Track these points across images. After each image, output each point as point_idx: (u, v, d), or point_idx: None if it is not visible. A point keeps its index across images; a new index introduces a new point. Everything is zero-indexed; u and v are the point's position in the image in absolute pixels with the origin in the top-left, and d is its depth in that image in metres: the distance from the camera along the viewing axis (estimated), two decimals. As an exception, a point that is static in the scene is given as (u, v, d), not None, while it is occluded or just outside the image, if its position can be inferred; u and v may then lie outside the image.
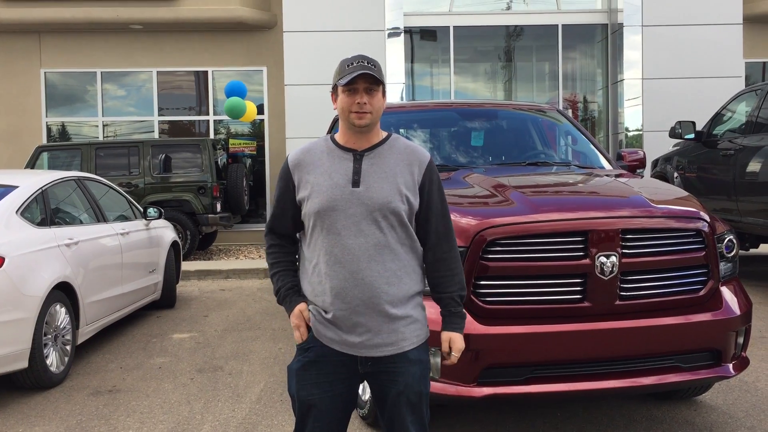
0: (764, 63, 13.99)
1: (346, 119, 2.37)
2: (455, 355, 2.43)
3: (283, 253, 2.50)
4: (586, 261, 3.41)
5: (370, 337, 2.33)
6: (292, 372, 2.42)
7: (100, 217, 6.43)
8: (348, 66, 2.34)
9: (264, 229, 2.59)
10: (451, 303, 2.45)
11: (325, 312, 2.36)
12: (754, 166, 7.23)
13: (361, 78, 2.32)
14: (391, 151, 2.41)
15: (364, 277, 2.30)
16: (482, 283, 3.43)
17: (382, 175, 2.35)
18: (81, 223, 6.16)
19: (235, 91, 11.32)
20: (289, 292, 2.44)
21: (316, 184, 2.35)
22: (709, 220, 3.71)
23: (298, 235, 2.53)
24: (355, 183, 2.34)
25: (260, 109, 13.77)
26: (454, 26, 12.96)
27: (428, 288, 2.49)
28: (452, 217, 3.59)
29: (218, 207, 11.18)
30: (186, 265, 9.72)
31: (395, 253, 2.34)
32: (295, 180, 2.40)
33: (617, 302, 3.47)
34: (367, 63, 2.34)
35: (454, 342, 2.43)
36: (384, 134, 2.47)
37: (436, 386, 3.37)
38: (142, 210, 7.42)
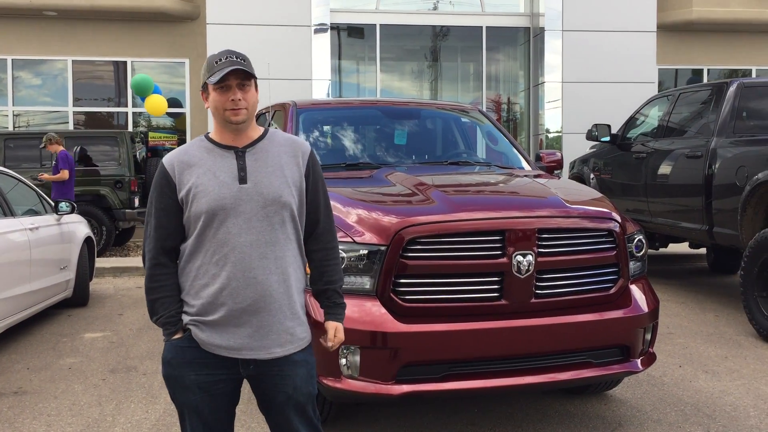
0: (676, 70, 14.63)
1: (221, 117, 2.30)
2: (335, 345, 2.43)
3: (168, 275, 2.30)
4: (504, 260, 3.46)
5: (259, 338, 2.26)
6: (168, 365, 2.29)
7: (7, 211, 6.13)
8: (216, 63, 2.26)
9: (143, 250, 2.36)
10: (334, 295, 2.46)
11: (208, 315, 2.26)
12: (664, 168, 7.54)
13: (232, 74, 2.24)
14: (273, 144, 2.36)
15: (257, 275, 2.24)
16: (401, 281, 3.43)
17: (268, 169, 2.29)
18: (-14, 217, 5.86)
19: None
20: (171, 319, 2.30)
21: (200, 184, 2.24)
22: (620, 220, 3.84)
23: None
24: (242, 179, 2.26)
25: (182, 103, 13.44)
26: (381, 24, 13.01)
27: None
28: (374, 215, 3.63)
29: (136, 202, 10.87)
30: (101, 262, 9.39)
31: (285, 249, 2.29)
32: (176, 181, 2.27)
33: (533, 300, 3.54)
34: (236, 57, 2.27)
35: (340, 331, 2.44)
36: (261, 129, 2.41)
37: (355, 384, 3.37)
38: (53, 204, 7.13)
